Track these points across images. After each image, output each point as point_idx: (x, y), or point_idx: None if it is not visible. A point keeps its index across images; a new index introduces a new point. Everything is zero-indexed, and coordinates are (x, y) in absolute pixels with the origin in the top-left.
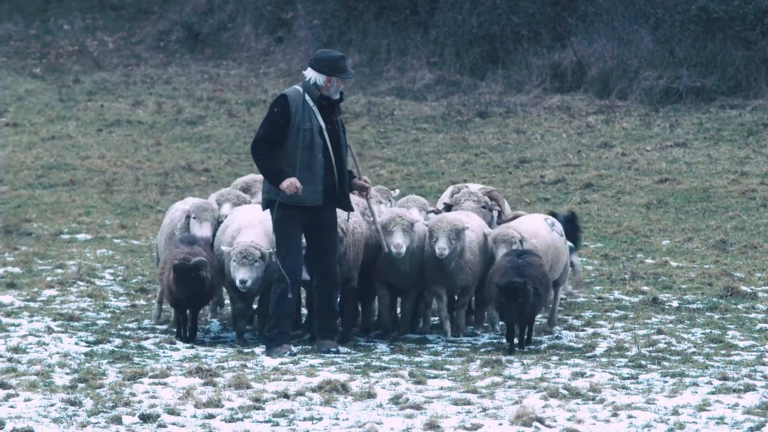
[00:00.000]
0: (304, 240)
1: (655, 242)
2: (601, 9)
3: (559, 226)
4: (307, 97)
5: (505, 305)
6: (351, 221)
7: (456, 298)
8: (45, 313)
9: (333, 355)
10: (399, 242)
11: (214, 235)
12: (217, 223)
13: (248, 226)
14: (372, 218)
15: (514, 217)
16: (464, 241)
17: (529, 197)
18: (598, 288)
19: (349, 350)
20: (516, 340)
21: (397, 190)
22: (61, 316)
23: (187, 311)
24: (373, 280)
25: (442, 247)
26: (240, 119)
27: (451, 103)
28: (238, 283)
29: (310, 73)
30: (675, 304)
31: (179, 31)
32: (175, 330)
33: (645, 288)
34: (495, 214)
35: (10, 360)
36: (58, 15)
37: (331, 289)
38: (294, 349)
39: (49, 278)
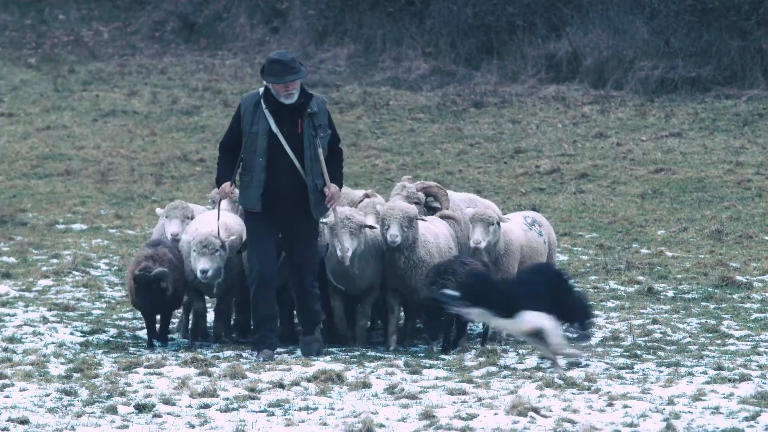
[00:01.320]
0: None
1: (650, 232)
2: None
3: (542, 226)
4: (263, 99)
5: (428, 325)
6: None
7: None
8: (40, 303)
9: (315, 357)
10: (346, 245)
11: None
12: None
13: (210, 219)
14: (336, 229)
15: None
16: (417, 231)
17: (525, 187)
18: (593, 278)
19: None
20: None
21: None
22: (56, 306)
23: (156, 316)
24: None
25: (393, 234)
26: (235, 109)
27: (447, 93)
28: (198, 273)
29: None
30: (670, 293)
31: (174, 21)
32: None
33: (640, 278)
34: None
35: (5, 350)
36: (53, 5)
37: (309, 293)
38: (275, 356)
39: (44, 268)
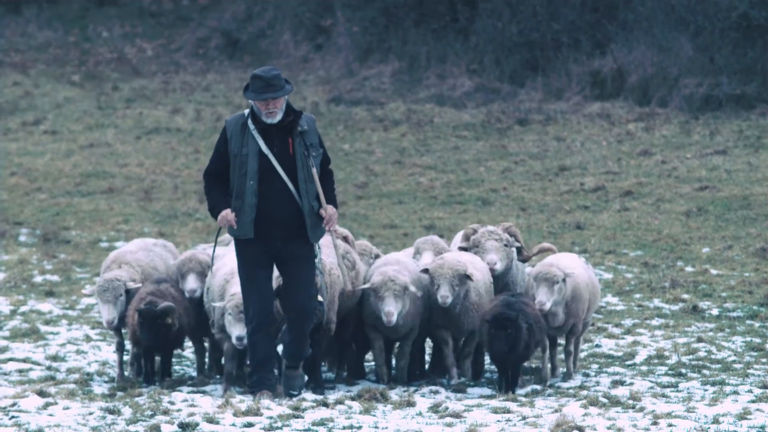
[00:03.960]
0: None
1: (695, 250)
2: (641, 16)
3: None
4: (250, 120)
5: (495, 337)
6: (327, 261)
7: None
8: (83, 322)
9: (296, 394)
10: (390, 310)
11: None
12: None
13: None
14: (335, 252)
15: (538, 253)
16: (466, 285)
17: (569, 205)
18: (638, 296)
19: (321, 394)
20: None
21: (378, 251)
22: (99, 325)
23: (156, 356)
24: (365, 327)
25: (444, 295)
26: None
27: (491, 110)
28: (234, 340)
29: None
30: (715, 312)
31: (218, 38)
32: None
33: (685, 296)
34: (514, 251)
35: (48, 368)
36: (97, 22)
37: (304, 323)
38: (273, 397)
39: (87, 286)
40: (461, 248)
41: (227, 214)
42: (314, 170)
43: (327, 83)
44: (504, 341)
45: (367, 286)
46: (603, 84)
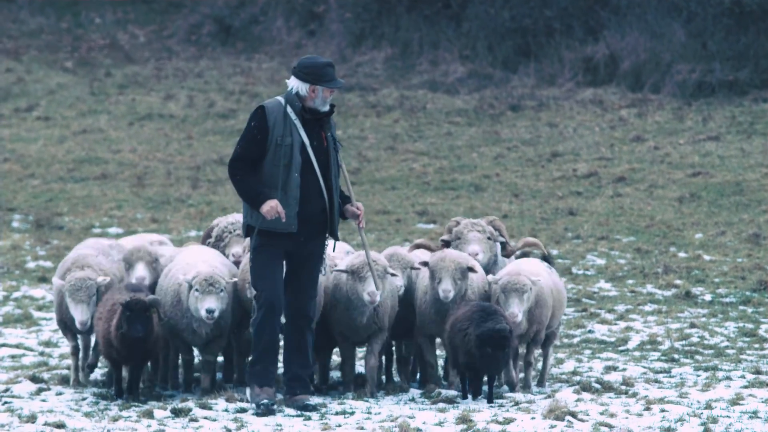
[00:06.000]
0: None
1: (687, 236)
2: (633, 2)
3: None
4: (289, 108)
5: (492, 357)
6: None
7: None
8: None
9: (309, 412)
10: (373, 289)
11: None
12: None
13: (207, 257)
14: (364, 249)
15: (522, 247)
16: (467, 281)
17: (562, 191)
18: (630, 282)
19: (323, 401)
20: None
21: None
22: None
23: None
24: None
25: (446, 288)
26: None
27: (484, 96)
28: (204, 313)
29: (292, 82)
30: (708, 297)
31: (211, 25)
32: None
33: (678, 282)
34: (498, 246)
35: (41, 354)
36: (89, 8)
37: (305, 329)
38: (277, 397)
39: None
40: (443, 240)
41: (276, 205)
42: (344, 166)
43: None
44: (500, 360)
45: (343, 268)
46: (596, 70)
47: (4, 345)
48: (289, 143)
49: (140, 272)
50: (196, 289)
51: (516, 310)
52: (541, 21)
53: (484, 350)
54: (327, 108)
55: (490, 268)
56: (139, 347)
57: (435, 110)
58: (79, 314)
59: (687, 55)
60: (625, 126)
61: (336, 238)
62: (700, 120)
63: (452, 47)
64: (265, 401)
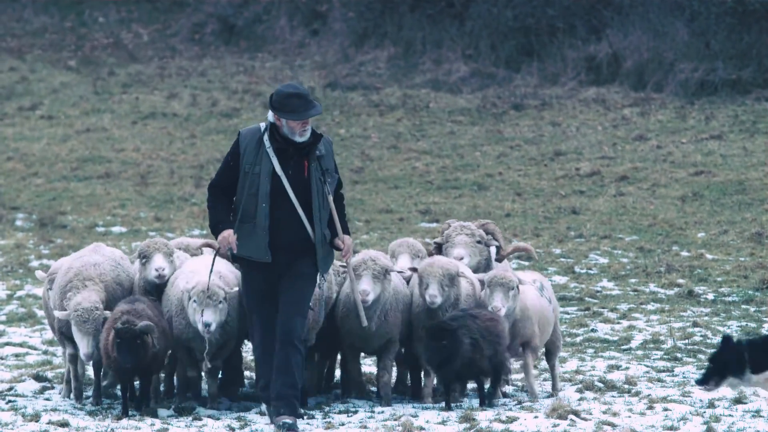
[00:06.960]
0: None
1: (690, 235)
2: (636, 1)
3: (546, 289)
4: (266, 136)
5: (428, 347)
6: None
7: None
8: None
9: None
10: (365, 288)
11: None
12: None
13: (206, 269)
14: (351, 284)
15: (513, 252)
16: (459, 288)
17: (564, 190)
18: (633, 281)
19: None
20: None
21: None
22: None
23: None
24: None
25: (433, 294)
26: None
27: (487, 95)
28: (201, 326)
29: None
30: (710, 296)
31: (214, 24)
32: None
33: (680, 281)
34: (493, 250)
35: (45, 353)
36: (93, 7)
37: (292, 348)
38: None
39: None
40: (436, 243)
41: (229, 235)
42: (330, 197)
43: (323, 68)
44: (437, 352)
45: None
46: (598, 69)
47: (8, 344)
48: (258, 172)
49: (159, 262)
50: (194, 301)
51: (499, 304)
52: (544, 20)
53: (430, 343)
54: (304, 138)
55: (480, 272)
56: (134, 372)
57: (438, 109)
58: (84, 347)
59: (690, 54)
60: (627, 125)
61: (321, 270)
62: (703, 119)
63: (455, 46)
64: (288, 422)
